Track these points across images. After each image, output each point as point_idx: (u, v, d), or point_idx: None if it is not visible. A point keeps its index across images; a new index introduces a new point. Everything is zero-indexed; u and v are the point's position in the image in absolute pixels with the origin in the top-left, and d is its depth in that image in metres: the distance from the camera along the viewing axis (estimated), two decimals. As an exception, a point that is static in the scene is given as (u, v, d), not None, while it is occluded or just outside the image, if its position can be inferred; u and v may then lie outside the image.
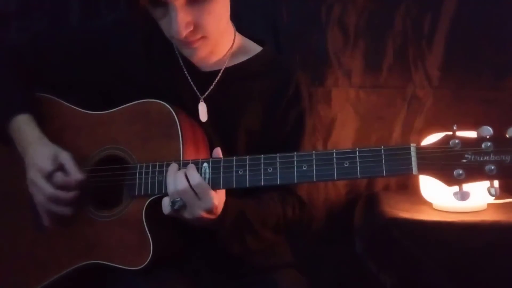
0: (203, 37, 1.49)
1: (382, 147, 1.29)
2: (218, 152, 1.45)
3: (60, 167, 1.55)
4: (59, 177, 1.53)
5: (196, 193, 1.41)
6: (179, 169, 1.45)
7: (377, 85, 2.25)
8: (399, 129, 2.25)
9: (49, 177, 1.53)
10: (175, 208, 1.42)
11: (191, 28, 1.45)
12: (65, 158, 1.55)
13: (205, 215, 1.42)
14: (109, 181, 1.57)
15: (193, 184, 1.40)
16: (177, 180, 1.42)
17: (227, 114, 1.64)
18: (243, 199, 1.54)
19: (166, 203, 1.44)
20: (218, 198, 1.43)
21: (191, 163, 1.44)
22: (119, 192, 1.56)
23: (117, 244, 1.54)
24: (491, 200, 1.96)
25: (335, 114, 2.26)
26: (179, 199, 1.42)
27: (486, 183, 1.26)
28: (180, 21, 1.42)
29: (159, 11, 1.46)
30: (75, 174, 1.54)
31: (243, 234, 1.55)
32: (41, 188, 1.54)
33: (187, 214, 1.43)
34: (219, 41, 1.60)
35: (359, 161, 1.30)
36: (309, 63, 2.22)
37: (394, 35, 2.23)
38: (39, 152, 1.56)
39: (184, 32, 1.43)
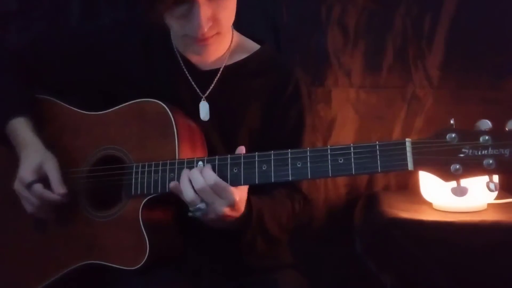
0: (217, 33, 1.52)
1: (377, 142, 1.27)
2: (241, 149, 1.43)
3: (44, 177, 1.56)
4: (37, 189, 1.54)
5: (214, 192, 1.38)
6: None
7: (377, 85, 2.24)
8: (399, 129, 2.25)
9: (29, 187, 1.54)
10: (197, 215, 1.40)
11: (211, 23, 1.47)
12: (49, 168, 1.56)
13: (228, 212, 1.40)
14: (107, 181, 1.57)
15: (209, 184, 1.38)
16: (193, 180, 1.39)
17: (228, 113, 1.64)
18: (258, 195, 1.52)
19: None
20: (239, 193, 1.40)
21: (186, 161, 1.44)
22: (117, 192, 1.56)
23: (114, 244, 1.54)
24: (491, 200, 1.95)
25: (335, 114, 2.26)
26: (199, 205, 1.39)
27: (486, 180, 1.24)
28: (203, 16, 1.44)
29: (181, 9, 1.46)
30: (57, 188, 1.55)
31: (262, 232, 1.54)
32: (27, 199, 1.56)
33: (211, 215, 1.40)
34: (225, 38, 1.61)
35: (354, 157, 1.28)
36: (309, 63, 2.22)
37: (394, 35, 2.22)
38: (26, 160, 1.58)
39: (205, 27, 1.46)
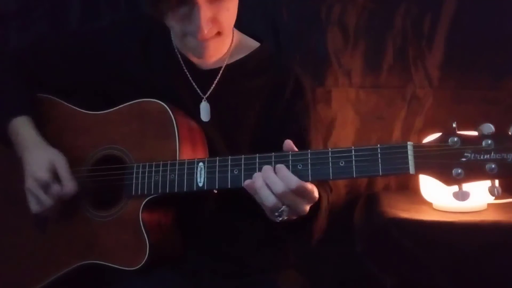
0: (218, 33, 1.52)
1: (379, 145, 1.27)
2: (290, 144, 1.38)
3: (56, 175, 1.55)
4: (55, 189, 1.54)
5: (296, 194, 1.33)
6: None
7: (377, 85, 2.24)
8: (399, 129, 2.25)
9: (46, 187, 1.54)
10: (283, 217, 1.35)
11: (211, 25, 1.48)
12: (60, 165, 1.56)
13: (308, 207, 1.36)
14: (107, 181, 1.57)
15: (291, 189, 1.31)
16: (272, 185, 1.32)
17: (229, 113, 1.64)
18: None
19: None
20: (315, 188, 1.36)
21: (187, 161, 1.44)
22: (117, 192, 1.56)
23: (114, 244, 1.54)
24: (491, 200, 1.95)
25: (335, 114, 2.26)
26: (282, 208, 1.34)
27: (487, 183, 1.23)
28: (203, 18, 1.44)
29: (183, 10, 1.47)
30: (68, 184, 1.54)
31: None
32: (41, 200, 1.55)
33: (293, 215, 1.36)
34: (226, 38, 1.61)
35: (355, 160, 1.28)
36: (309, 63, 2.22)
37: (394, 35, 2.22)
38: (35, 159, 1.57)
39: (205, 29, 1.46)
